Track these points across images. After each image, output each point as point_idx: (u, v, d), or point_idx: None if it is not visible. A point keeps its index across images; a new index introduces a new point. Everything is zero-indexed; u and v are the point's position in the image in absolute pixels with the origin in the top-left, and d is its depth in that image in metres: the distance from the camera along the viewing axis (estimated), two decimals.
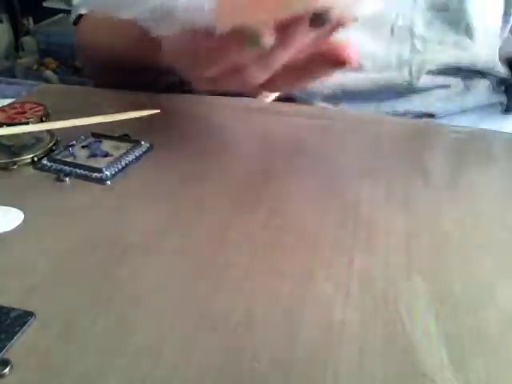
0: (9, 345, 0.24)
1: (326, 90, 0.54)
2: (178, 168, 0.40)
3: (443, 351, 0.25)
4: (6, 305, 0.26)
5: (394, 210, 0.35)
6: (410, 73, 0.53)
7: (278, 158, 0.42)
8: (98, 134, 0.43)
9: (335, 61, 0.32)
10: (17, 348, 0.24)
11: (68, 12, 2.04)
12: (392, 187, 0.38)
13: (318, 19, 0.28)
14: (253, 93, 0.49)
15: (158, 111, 0.48)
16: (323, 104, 0.55)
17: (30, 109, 0.47)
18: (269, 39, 0.29)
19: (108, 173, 0.38)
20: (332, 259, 0.30)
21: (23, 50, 2.06)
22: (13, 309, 0.26)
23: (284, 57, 0.32)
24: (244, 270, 0.29)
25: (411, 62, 0.53)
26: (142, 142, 0.42)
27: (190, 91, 0.51)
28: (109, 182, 0.38)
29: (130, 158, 0.40)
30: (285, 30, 0.29)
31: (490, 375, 0.24)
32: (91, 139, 0.43)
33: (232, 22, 0.29)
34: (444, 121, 0.56)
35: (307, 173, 0.40)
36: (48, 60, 1.91)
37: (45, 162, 0.40)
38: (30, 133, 0.43)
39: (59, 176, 0.38)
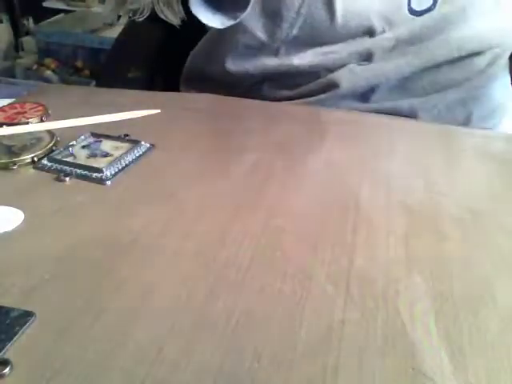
0: (9, 345, 0.24)
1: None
2: (178, 168, 0.40)
3: (443, 351, 0.25)
4: (6, 305, 0.26)
5: (394, 210, 0.35)
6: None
7: (278, 158, 0.42)
8: (98, 134, 0.43)
9: None
10: (17, 348, 0.24)
11: (68, 12, 2.04)
12: (392, 187, 0.38)
13: None
14: None
15: (158, 111, 0.48)
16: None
17: (30, 109, 0.47)
18: None
19: (108, 173, 0.38)
20: (332, 259, 0.30)
21: (23, 49, 2.06)
22: (13, 309, 0.26)
23: None
24: (244, 270, 0.29)
25: None
26: (142, 142, 0.42)
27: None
28: (109, 182, 0.38)
29: (130, 158, 0.40)
30: None
31: (490, 375, 0.24)
32: (91, 139, 0.43)
33: None
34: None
35: (307, 173, 0.40)
36: (48, 60, 1.91)
37: (45, 161, 0.40)
38: (29, 133, 0.43)
39: (59, 176, 0.38)
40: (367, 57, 0.52)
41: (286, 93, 0.56)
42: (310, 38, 0.52)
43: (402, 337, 0.25)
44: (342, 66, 0.52)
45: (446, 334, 0.26)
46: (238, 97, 0.52)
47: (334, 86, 0.53)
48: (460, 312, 0.27)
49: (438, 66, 0.53)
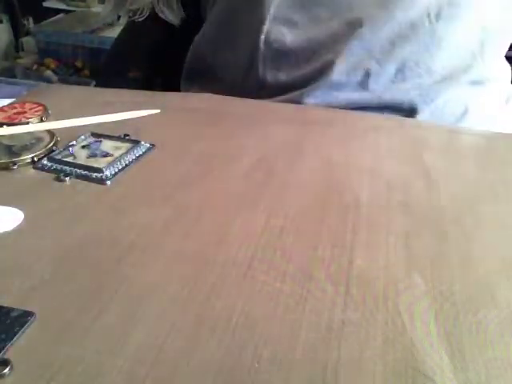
0: (9, 345, 0.24)
1: None
2: (178, 168, 0.40)
3: (443, 351, 0.25)
4: (5, 305, 0.26)
5: (394, 209, 0.35)
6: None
7: (278, 158, 0.42)
8: (98, 134, 0.43)
9: None
10: (17, 348, 0.24)
11: (68, 12, 2.04)
12: (392, 187, 0.38)
13: None
14: None
15: (158, 111, 0.48)
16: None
17: (30, 109, 0.47)
18: None
19: (108, 173, 0.38)
20: (332, 259, 0.30)
21: (23, 49, 2.06)
22: (13, 309, 0.26)
23: None
24: (244, 269, 0.29)
25: None
26: (142, 142, 0.42)
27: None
28: (109, 182, 0.38)
29: (130, 158, 0.40)
30: None
31: (489, 375, 0.24)
32: (91, 139, 0.43)
33: None
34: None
35: (307, 173, 0.40)
36: (48, 60, 1.91)
37: (45, 161, 0.40)
38: (29, 133, 0.43)
39: (59, 176, 0.38)
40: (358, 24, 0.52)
41: (282, 78, 0.55)
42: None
43: (402, 337, 0.25)
44: (335, 39, 0.53)
45: (445, 334, 0.26)
46: (238, 84, 0.52)
47: (328, 66, 0.52)
48: (460, 312, 0.27)
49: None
